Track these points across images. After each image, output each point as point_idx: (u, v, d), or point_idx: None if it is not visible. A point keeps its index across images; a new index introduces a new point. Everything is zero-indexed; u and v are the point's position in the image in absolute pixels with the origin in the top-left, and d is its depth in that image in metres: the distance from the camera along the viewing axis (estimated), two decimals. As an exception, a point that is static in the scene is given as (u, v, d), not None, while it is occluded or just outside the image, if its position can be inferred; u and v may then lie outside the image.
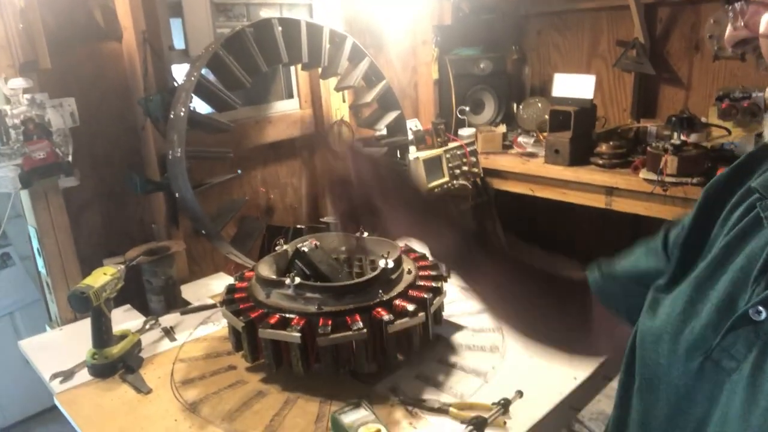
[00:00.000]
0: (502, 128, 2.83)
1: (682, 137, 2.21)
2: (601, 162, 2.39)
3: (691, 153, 2.12)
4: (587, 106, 2.46)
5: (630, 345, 0.65)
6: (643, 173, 2.22)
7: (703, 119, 2.41)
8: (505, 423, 1.09)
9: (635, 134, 2.58)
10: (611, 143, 2.42)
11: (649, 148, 2.23)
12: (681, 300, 0.61)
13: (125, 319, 1.59)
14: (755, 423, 0.49)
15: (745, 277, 0.56)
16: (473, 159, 2.56)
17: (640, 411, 0.62)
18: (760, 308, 0.53)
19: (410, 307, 1.22)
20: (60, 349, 1.47)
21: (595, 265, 0.80)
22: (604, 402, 1.97)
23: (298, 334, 1.17)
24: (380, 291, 1.25)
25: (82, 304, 1.28)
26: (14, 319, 2.64)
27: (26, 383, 1.68)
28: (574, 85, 2.50)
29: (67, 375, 1.34)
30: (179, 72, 1.80)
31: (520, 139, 2.77)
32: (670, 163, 2.10)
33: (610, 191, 2.33)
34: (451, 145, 2.52)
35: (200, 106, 1.81)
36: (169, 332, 1.53)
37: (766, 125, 2.25)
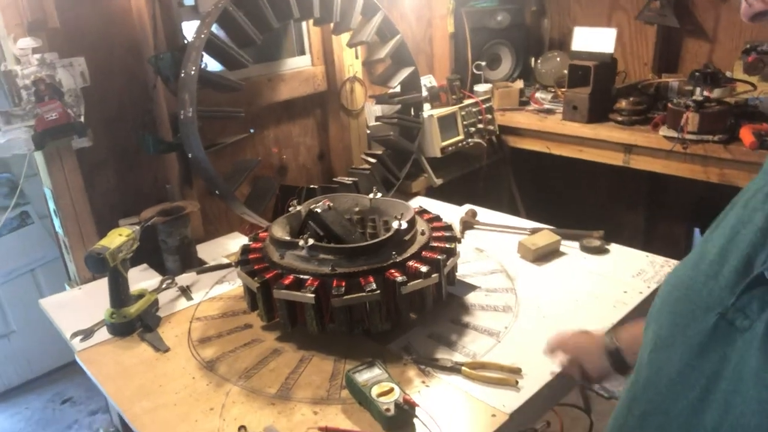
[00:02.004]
0: (519, 84, 2.76)
1: (705, 93, 2.14)
2: (620, 119, 2.33)
3: (713, 109, 2.05)
4: (607, 60, 2.38)
5: (654, 303, 0.67)
6: (663, 130, 2.16)
7: (728, 74, 2.33)
8: (517, 382, 1.10)
9: (656, 90, 2.50)
10: (631, 99, 2.35)
11: (670, 105, 2.17)
12: (704, 260, 0.61)
13: (142, 279, 1.62)
14: None
15: (764, 238, 0.56)
16: (489, 116, 2.51)
17: (653, 370, 0.63)
18: None
19: (423, 269, 1.22)
20: (79, 307, 1.50)
21: None
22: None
23: (313, 295, 1.18)
24: (394, 252, 1.25)
25: (99, 266, 1.29)
26: (36, 276, 2.70)
27: (50, 338, 1.73)
28: (594, 39, 2.41)
29: (87, 333, 1.37)
30: (189, 29, 1.77)
31: (538, 95, 2.71)
32: (692, 120, 2.04)
33: (628, 149, 2.28)
34: (467, 102, 2.47)
35: (211, 65, 1.78)
36: (185, 291, 1.55)
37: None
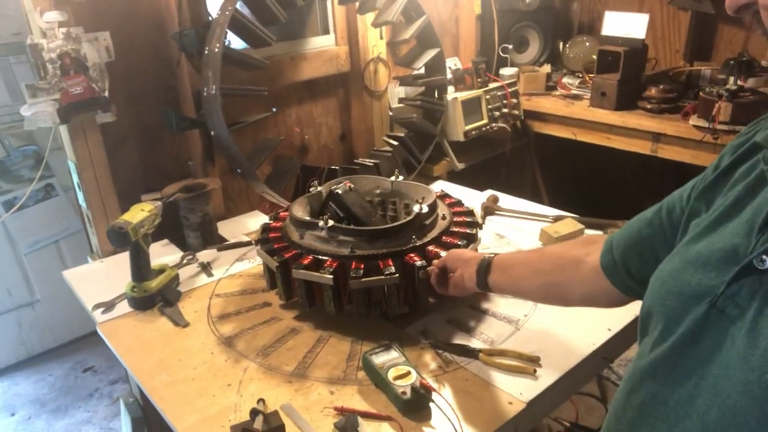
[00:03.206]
0: (546, 68, 2.71)
1: (739, 82, 2.08)
2: (649, 106, 2.28)
3: (747, 99, 2.00)
4: (638, 46, 2.32)
5: (645, 299, 0.69)
6: (694, 120, 2.11)
7: (763, 63, 2.26)
8: (535, 371, 1.09)
9: (687, 78, 2.44)
10: (661, 87, 2.29)
11: (702, 93, 2.11)
12: (691, 251, 0.64)
13: (163, 254, 1.63)
14: (756, 363, 0.51)
15: (750, 229, 0.58)
16: (514, 100, 2.47)
17: (651, 361, 0.64)
18: (764, 257, 0.54)
19: (443, 254, 1.21)
20: (101, 280, 1.52)
21: (609, 240, 0.89)
22: (635, 350, 1.96)
23: (331, 276, 1.17)
24: (413, 236, 1.24)
25: (121, 240, 1.30)
26: (60, 248, 2.75)
27: (72, 308, 1.76)
28: (625, 24, 2.36)
29: (108, 306, 1.39)
30: (214, 6, 1.76)
31: (565, 80, 2.65)
32: (724, 109, 1.99)
33: (657, 137, 2.23)
34: (492, 85, 2.43)
35: (234, 42, 1.77)
36: (206, 267, 1.56)
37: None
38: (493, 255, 1.10)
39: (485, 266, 1.08)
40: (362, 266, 1.19)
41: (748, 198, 0.61)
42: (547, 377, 1.08)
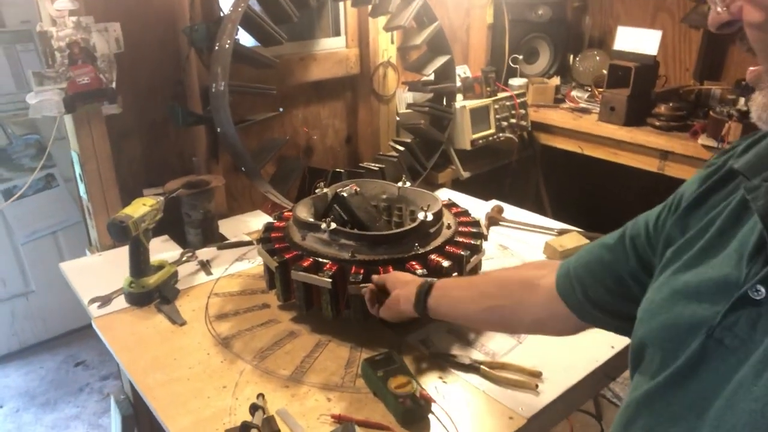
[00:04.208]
0: (556, 80, 2.69)
1: (749, 103, 2.06)
2: (658, 124, 2.26)
3: (757, 120, 1.98)
4: (650, 62, 2.31)
5: (635, 334, 0.67)
6: (702, 139, 2.10)
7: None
8: (537, 386, 1.07)
9: (697, 97, 2.43)
10: (671, 104, 2.28)
11: (712, 113, 2.09)
12: (679, 281, 0.63)
13: (163, 250, 1.61)
14: (760, 393, 0.50)
15: (740, 258, 0.57)
16: (522, 111, 2.45)
17: (648, 395, 0.62)
18: (759, 287, 0.54)
19: (445, 263, 1.19)
20: (98, 274, 1.50)
21: (564, 264, 0.87)
22: (635, 370, 1.93)
23: (330, 280, 1.16)
24: (416, 244, 1.22)
25: (121, 234, 1.28)
26: (57, 239, 2.73)
27: (67, 300, 1.74)
28: (637, 40, 2.34)
29: (104, 300, 1.37)
30: (226, 2, 1.75)
31: (574, 93, 2.64)
32: (734, 129, 1.97)
33: (664, 155, 2.22)
34: (501, 95, 2.41)
35: (244, 39, 1.76)
36: (205, 266, 1.54)
37: None
38: (435, 280, 1.07)
39: (426, 288, 1.05)
40: (362, 271, 1.17)
41: (733, 229, 0.60)
42: (548, 393, 1.06)
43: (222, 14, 1.70)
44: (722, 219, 0.62)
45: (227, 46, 1.56)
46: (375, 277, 1.15)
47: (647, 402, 0.62)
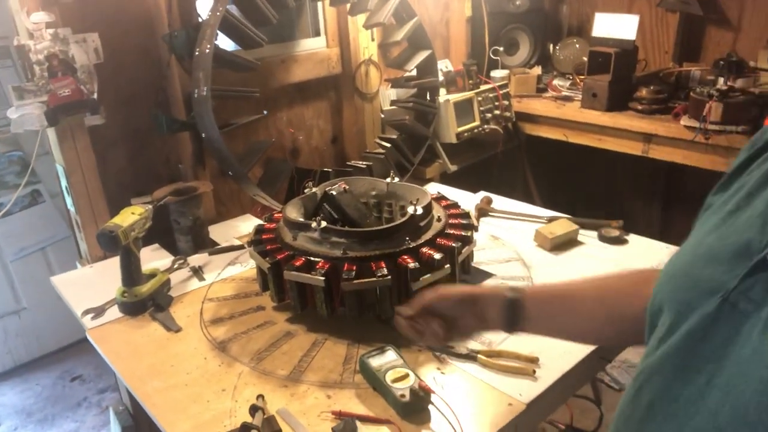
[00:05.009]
0: (537, 70, 2.71)
1: (729, 82, 2.09)
2: (640, 107, 2.29)
3: (737, 99, 2.01)
4: (629, 47, 2.33)
5: (654, 295, 0.67)
6: (685, 120, 2.12)
7: (752, 63, 2.27)
8: (534, 372, 1.08)
9: (677, 79, 2.45)
10: (651, 88, 2.30)
11: (692, 94, 2.12)
12: (702, 244, 0.62)
13: (154, 258, 1.61)
14: None
15: (763, 222, 0.56)
16: (506, 102, 2.47)
17: (659, 359, 0.62)
18: None
19: (437, 256, 1.19)
20: (90, 285, 1.49)
21: None
22: (631, 351, 1.96)
23: (323, 278, 1.16)
24: (407, 238, 1.23)
25: (111, 244, 1.28)
26: (46, 255, 2.70)
27: (59, 315, 1.73)
28: (615, 25, 2.36)
29: (98, 312, 1.36)
30: (204, 6, 1.74)
31: (556, 81, 2.66)
32: (715, 109, 2.00)
33: (648, 138, 2.24)
34: (483, 87, 2.43)
35: (225, 44, 1.75)
36: (197, 272, 1.54)
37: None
38: (518, 288, 0.91)
39: (513, 303, 0.89)
40: (354, 268, 1.17)
41: (759, 190, 0.60)
42: (546, 378, 1.07)
43: (201, 19, 1.70)
44: (752, 182, 0.62)
45: (207, 51, 1.56)
46: (411, 305, 0.97)
47: (658, 366, 0.62)
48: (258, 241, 1.31)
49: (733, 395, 0.52)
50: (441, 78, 2.30)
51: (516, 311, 0.88)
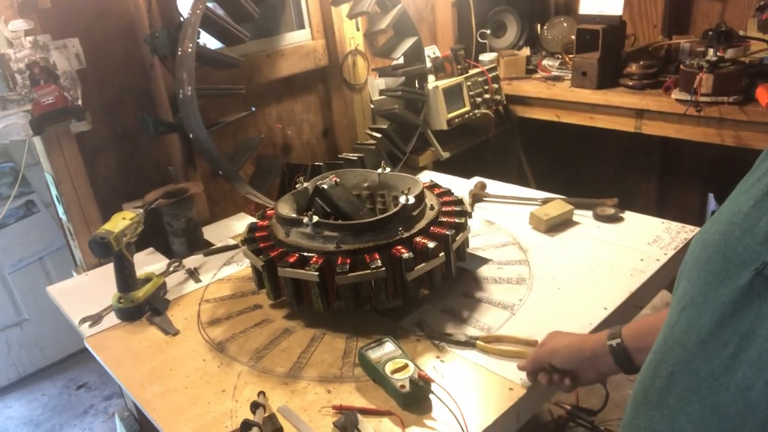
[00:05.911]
0: (526, 51, 2.69)
1: (719, 53, 2.07)
2: (630, 83, 2.27)
3: (728, 69, 1.99)
4: (616, 23, 2.31)
5: (685, 262, 0.65)
6: (676, 93, 2.10)
7: (741, 33, 2.25)
8: (533, 355, 1.07)
9: (666, 52, 2.43)
10: (641, 63, 2.28)
11: (682, 66, 2.10)
12: (738, 214, 0.59)
13: (149, 262, 1.60)
14: None
15: None
16: (495, 86, 2.45)
17: (682, 329, 0.61)
18: None
19: (431, 244, 1.18)
20: (87, 293, 1.49)
21: None
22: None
23: (317, 273, 1.15)
24: (400, 228, 1.22)
25: (103, 250, 1.27)
26: (45, 265, 2.70)
27: (62, 325, 1.72)
28: (602, 2, 2.34)
29: (95, 319, 1.36)
30: (184, 5, 1.72)
31: (545, 62, 2.64)
32: (705, 81, 1.98)
33: (640, 114, 2.22)
34: (472, 71, 2.41)
35: (208, 42, 1.74)
36: (193, 273, 1.53)
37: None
38: (615, 332, 0.93)
39: (619, 347, 0.91)
40: (348, 261, 1.16)
41: None
42: (546, 360, 1.06)
43: (182, 18, 1.68)
44: None
45: (190, 50, 1.54)
46: (531, 361, 1.01)
47: (682, 337, 0.60)
48: (251, 240, 1.31)
49: (765, 371, 0.51)
50: (429, 64, 2.28)
51: (626, 354, 0.91)
